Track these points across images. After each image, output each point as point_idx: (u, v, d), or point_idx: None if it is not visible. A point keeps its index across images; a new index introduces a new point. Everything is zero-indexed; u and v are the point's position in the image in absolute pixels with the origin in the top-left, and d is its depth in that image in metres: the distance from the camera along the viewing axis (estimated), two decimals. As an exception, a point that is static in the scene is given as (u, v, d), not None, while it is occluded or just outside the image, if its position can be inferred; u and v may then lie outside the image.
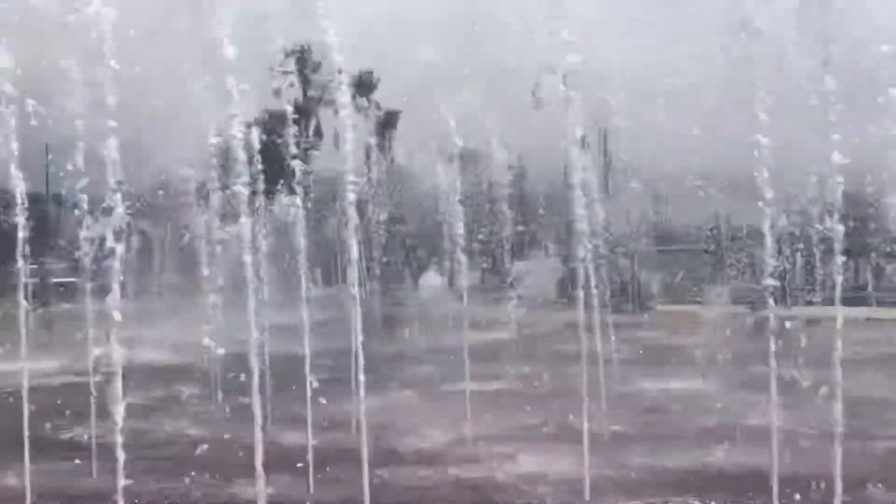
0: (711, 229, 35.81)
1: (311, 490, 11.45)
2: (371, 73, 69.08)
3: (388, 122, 67.22)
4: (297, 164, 16.28)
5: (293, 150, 15.25)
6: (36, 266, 32.61)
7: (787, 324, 9.98)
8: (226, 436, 13.91)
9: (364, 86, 68.53)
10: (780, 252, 16.41)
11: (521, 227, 42.02)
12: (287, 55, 65.26)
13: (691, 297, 31.95)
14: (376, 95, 68.82)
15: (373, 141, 57.96)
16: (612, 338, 17.83)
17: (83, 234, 12.53)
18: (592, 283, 13.60)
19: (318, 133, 66.03)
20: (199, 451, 13.27)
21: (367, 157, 54.67)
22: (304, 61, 65.62)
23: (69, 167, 10.46)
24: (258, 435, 8.17)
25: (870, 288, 38.24)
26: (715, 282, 31.30)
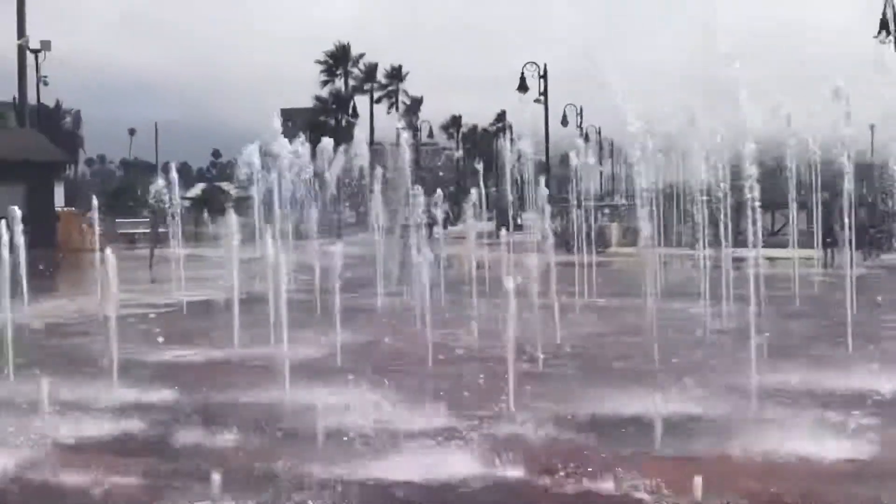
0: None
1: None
2: (400, 66, 70.06)
3: (413, 107, 67.82)
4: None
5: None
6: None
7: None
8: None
9: (394, 76, 69.54)
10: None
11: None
12: (331, 55, 66.06)
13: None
14: (404, 85, 69.84)
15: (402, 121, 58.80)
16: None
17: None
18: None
19: (355, 114, 67.07)
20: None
21: (397, 134, 55.29)
22: (345, 58, 66.61)
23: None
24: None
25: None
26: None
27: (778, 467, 6.61)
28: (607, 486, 6.32)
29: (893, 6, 28.84)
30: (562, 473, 6.62)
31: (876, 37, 29.34)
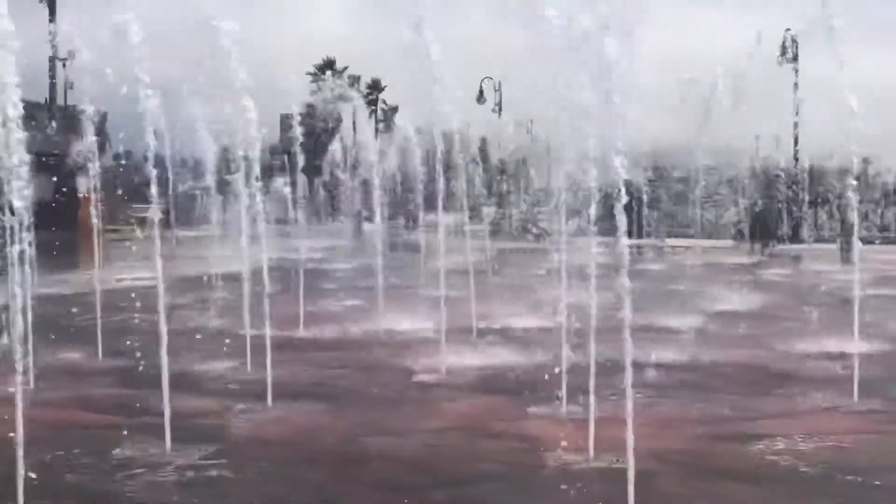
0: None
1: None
2: (379, 79, 69.88)
3: (390, 113, 67.51)
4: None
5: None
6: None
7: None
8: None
9: (374, 88, 69.33)
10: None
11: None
12: (319, 67, 65.68)
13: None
14: (383, 95, 69.62)
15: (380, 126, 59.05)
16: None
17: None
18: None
19: (339, 119, 66.68)
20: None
21: (375, 137, 55.09)
22: (332, 70, 66.51)
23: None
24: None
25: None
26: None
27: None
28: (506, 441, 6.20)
29: (792, 36, 29.08)
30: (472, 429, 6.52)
31: (777, 61, 29.64)
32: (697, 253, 19.14)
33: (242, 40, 9.62)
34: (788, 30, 29.10)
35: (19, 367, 4.65)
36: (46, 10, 38.59)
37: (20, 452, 4.57)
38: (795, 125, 28.41)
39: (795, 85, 28.49)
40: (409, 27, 9.32)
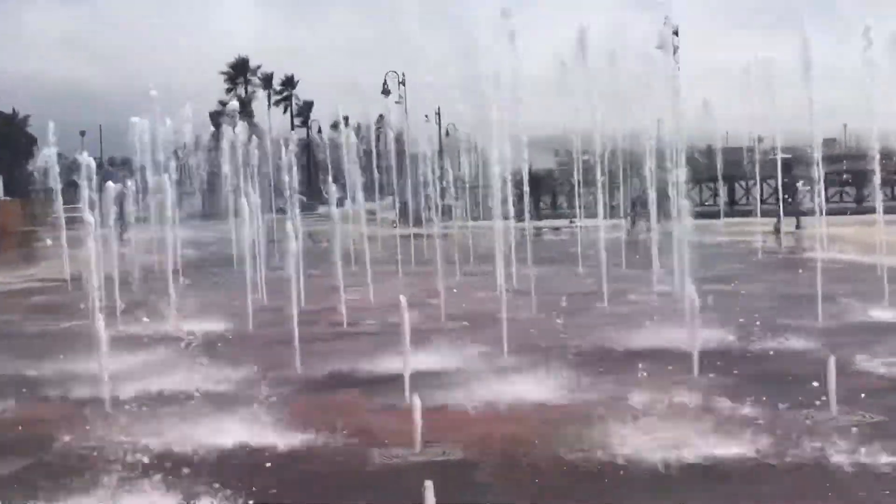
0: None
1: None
2: (293, 76, 67.28)
3: (305, 109, 64.98)
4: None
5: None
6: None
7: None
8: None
9: (288, 84, 66.67)
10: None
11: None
12: (233, 66, 62.76)
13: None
14: (296, 90, 67.13)
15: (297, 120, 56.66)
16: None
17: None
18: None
19: (252, 114, 64.31)
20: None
21: (292, 129, 53.20)
22: (244, 69, 63.58)
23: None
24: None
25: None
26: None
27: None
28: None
29: (673, 30, 28.17)
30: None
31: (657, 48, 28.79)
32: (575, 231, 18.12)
33: (161, 44, 8.61)
34: (666, 22, 28.09)
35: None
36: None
37: None
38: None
39: (676, 74, 27.47)
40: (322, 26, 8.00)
